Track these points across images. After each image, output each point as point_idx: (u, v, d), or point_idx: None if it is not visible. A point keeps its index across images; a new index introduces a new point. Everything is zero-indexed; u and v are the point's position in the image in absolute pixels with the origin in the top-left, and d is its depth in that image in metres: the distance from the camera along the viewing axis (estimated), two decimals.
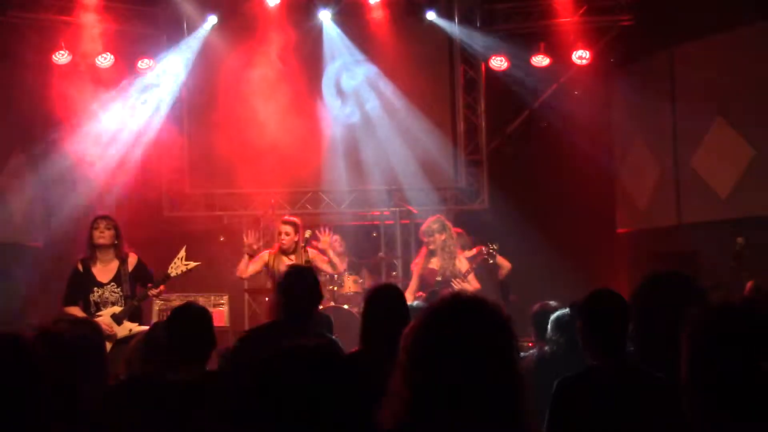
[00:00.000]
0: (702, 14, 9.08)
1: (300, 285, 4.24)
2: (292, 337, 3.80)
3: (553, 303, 4.95)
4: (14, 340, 1.95)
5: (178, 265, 6.45)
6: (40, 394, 1.92)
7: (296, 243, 7.37)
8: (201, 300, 8.50)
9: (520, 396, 1.88)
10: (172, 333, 3.66)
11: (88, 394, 3.59)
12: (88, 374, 3.69)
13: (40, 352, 1.96)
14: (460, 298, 2.00)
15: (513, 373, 1.88)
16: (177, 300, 8.07)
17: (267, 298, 8.40)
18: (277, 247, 7.42)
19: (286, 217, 7.66)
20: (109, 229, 6.39)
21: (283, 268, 6.04)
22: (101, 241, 6.36)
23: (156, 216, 10.01)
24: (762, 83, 8.76)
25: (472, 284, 7.44)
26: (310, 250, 7.41)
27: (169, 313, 3.95)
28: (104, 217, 6.51)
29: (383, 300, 4.07)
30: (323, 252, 7.51)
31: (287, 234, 7.35)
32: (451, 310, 1.93)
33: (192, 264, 6.47)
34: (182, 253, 6.50)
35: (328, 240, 7.57)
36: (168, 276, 6.42)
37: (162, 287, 6.48)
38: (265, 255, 7.44)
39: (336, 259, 7.58)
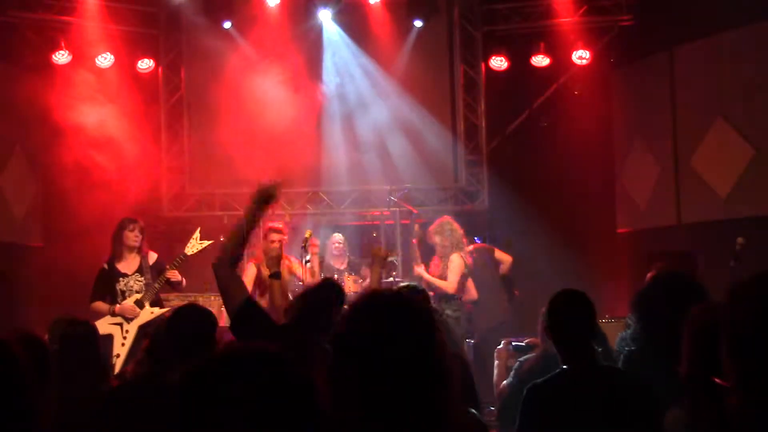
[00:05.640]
0: (702, 14, 9.08)
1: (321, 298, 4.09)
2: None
3: None
4: None
5: (194, 245, 6.78)
6: (26, 397, 1.88)
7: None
8: (201, 300, 8.45)
9: (445, 396, 1.78)
10: (171, 333, 3.64)
11: (82, 393, 3.58)
12: (83, 371, 3.68)
13: (23, 354, 1.91)
14: (379, 294, 1.95)
15: (435, 372, 1.78)
16: (176, 300, 8.04)
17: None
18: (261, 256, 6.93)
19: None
20: (141, 233, 6.81)
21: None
22: (134, 243, 6.75)
23: (156, 216, 9.98)
24: (762, 83, 8.76)
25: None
26: (292, 258, 7.32)
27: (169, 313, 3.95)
28: (135, 221, 6.88)
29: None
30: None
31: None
32: (368, 308, 1.87)
33: (206, 243, 6.77)
34: (197, 233, 6.85)
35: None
36: (185, 255, 6.74)
37: (180, 280, 6.75)
38: (252, 267, 7.18)
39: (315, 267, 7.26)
